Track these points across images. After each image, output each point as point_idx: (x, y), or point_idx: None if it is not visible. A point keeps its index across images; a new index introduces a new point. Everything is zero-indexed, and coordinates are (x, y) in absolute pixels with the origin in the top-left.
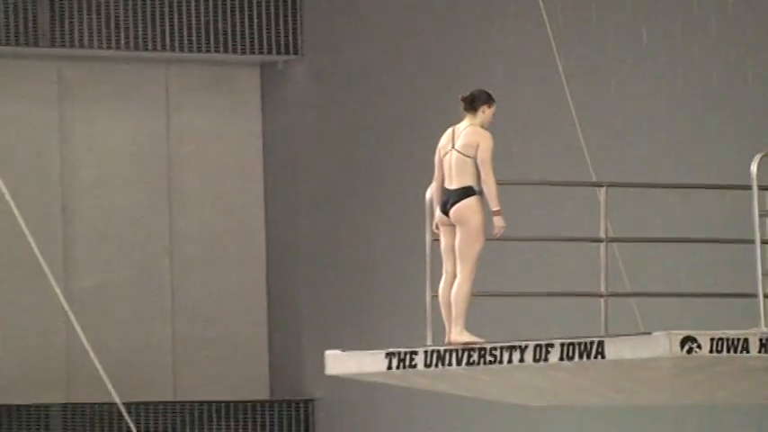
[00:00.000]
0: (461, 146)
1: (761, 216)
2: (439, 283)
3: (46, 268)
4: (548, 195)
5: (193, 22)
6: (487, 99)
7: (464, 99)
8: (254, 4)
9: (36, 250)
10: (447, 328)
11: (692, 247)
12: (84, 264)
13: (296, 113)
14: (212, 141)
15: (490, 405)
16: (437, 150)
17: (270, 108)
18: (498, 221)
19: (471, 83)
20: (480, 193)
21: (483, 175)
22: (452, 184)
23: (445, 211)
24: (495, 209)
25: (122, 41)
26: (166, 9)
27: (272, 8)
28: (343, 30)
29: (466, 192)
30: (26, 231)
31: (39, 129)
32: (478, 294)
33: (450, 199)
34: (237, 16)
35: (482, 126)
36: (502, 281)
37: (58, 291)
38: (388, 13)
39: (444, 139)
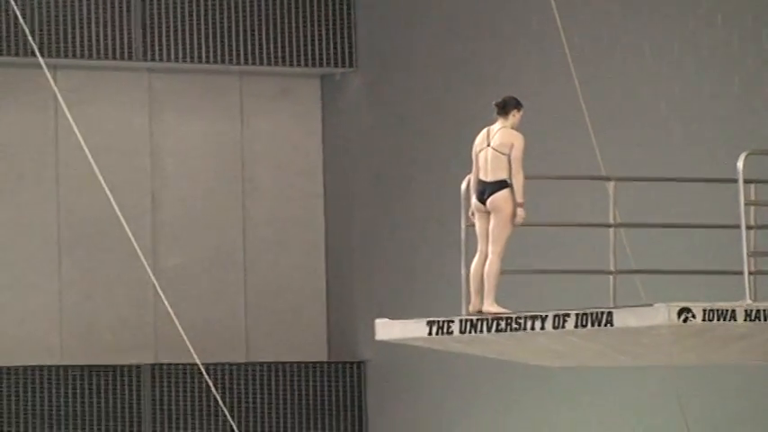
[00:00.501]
0: (497, 145)
1: (746, 205)
2: (472, 261)
3: (138, 249)
4: (565, 188)
5: (264, 39)
6: (516, 104)
7: (497, 104)
8: (315, 23)
9: (129, 234)
10: (473, 298)
11: (690, 231)
12: (169, 245)
13: (351, 119)
14: (279, 142)
15: (523, 367)
16: (473, 148)
17: (328, 114)
18: (520, 212)
19: (505, 89)
20: (511, 186)
21: (513, 171)
22: (488, 177)
23: (482, 200)
24: (519, 201)
25: (203, 56)
26: (240, 28)
27: (331, 26)
28: (393, 45)
29: (501, 184)
30: (121, 218)
31: (132, 131)
32: (506, 272)
33: (487, 190)
34: (300, 33)
35: (512, 127)
36: (525, 261)
37: (147, 268)
38: (433, 28)
39: (479, 139)
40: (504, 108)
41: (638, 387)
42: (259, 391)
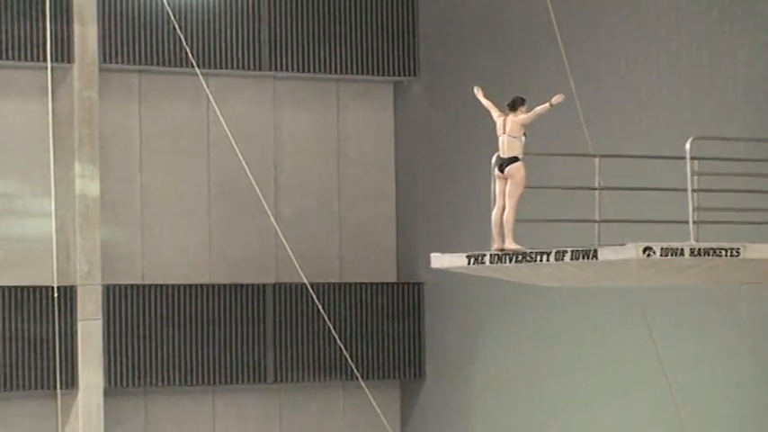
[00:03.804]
0: (510, 131)
1: (692, 175)
2: (493, 212)
3: (263, 201)
4: (563, 162)
5: (353, 53)
6: (522, 101)
7: (508, 104)
8: (390, 41)
9: (258, 191)
10: (495, 239)
11: (654, 192)
12: (286, 199)
13: (416, 118)
14: (363, 130)
15: (535, 288)
16: (497, 130)
17: (399, 110)
18: (556, 99)
19: (530, 92)
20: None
21: (532, 115)
22: (505, 155)
23: (501, 170)
24: (548, 104)
25: (309, 66)
26: (338, 45)
27: (400, 43)
28: (446, 58)
29: (514, 159)
30: (252, 180)
31: (261, 120)
32: (519, 220)
33: (505, 163)
34: (379, 49)
35: (520, 118)
36: (534, 213)
37: (270, 215)
38: (477, 44)
39: (499, 125)
40: (514, 105)
41: (614, 303)
42: (349, 304)
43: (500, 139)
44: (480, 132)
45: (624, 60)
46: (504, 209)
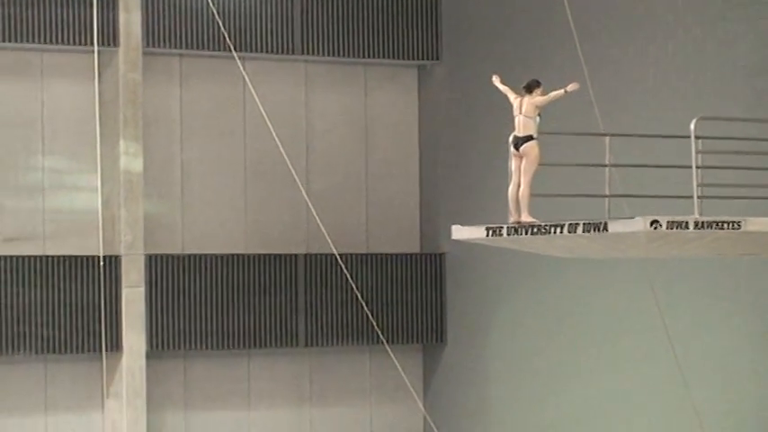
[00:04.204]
0: (525, 112)
1: (696, 153)
2: (509, 187)
3: (296, 176)
4: (575, 141)
5: (379, 38)
6: (538, 84)
7: (524, 87)
8: (414, 26)
9: (291, 167)
10: (512, 213)
11: (662, 170)
12: (317, 174)
13: (439, 100)
14: (388, 114)
15: (549, 258)
16: (514, 111)
17: (423, 96)
18: (571, 87)
19: (545, 74)
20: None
21: (547, 98)
22: (521, 134)
23: (516, 148)
24: (563, 91)
25: (341, 51)
26: (365, 31)
27: (424, 29)
28: (466, 44)
29: (529, 138)
30: (285, 157)
31: (293, 101)
32: (535, 195)
33: (520, 142)
34: (403, 33)
35: (536, 100)
36: (548, 188)
37: (302, 189)
38: (495, 31)
39: (515, 106)
40: (529, 88)
41: (624, 275)
42: (375, 273)
43: (516, 119)
44: (498, 113)
45: (634, 46)
46: (519, 185)
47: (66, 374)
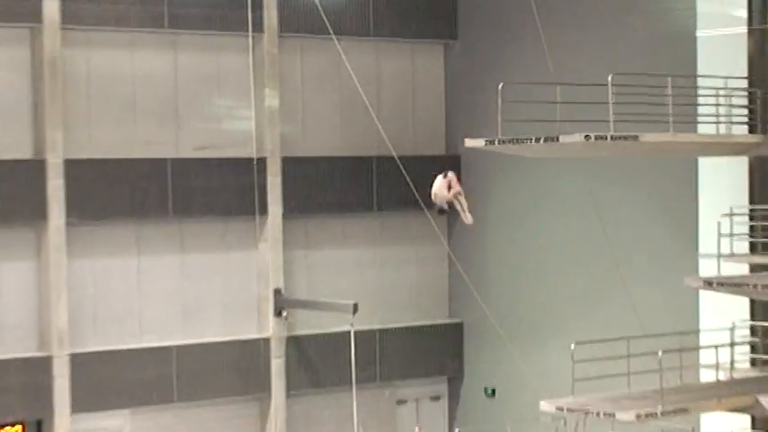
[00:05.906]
0: None
1: (612, 95)
2: None
3: (371, 112)
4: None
5: (420, 23)
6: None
7: None
8: (437, 14)
9: (369, 106)
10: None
11: (592, 106)
12: (383, 113)
13: (458, 69)
14: (426, 76)
15: (540, 160)
16: None
17: (447, 66)
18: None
19: (551, 54)
20: None
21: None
22: None
23: None
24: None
25: (398, 33)
26: (411, 19)
27: (443, 16)
28: (480, 24)
29: None
30: (366, 101)
31: (367, 72)
32: (518, 120)
33: None
34: (432, 19)
35: None
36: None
37: (374, 117)
38: (504, 12)
39: None
40: None
41: (578, 176)
42: (418, 167)
43: None
44: (499, 77)
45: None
46: None
47: (234, 231)
